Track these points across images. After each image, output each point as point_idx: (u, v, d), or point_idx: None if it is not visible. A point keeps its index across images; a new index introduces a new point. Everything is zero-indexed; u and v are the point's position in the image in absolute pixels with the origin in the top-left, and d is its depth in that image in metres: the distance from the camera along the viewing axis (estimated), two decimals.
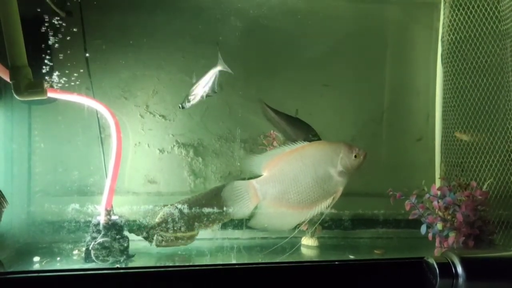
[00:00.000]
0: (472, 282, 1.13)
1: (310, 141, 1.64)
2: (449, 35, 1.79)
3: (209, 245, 1.61)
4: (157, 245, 1.53)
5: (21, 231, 1.63)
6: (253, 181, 1.45)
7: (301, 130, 1.68)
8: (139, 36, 1.76)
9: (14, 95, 1.34)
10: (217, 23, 1.80)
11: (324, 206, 1.44)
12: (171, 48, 1.77)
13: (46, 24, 1.56)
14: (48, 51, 1.60)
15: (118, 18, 1.74)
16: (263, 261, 1.44)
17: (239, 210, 1.46)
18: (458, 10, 1.74)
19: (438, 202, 1.54)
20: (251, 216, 1.48)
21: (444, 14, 1.84)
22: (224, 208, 1.52)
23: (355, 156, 1.45)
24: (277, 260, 1.43)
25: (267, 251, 1.53)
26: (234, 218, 1.56)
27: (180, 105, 1.63)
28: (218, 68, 1.58)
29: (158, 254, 1.55)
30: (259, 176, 1.48)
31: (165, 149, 1.82)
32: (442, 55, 1.85)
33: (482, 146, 1.66)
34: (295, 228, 1.54)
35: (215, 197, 1.57)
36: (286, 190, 1.43)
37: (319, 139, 1.66)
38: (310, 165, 1.44)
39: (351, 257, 1.55)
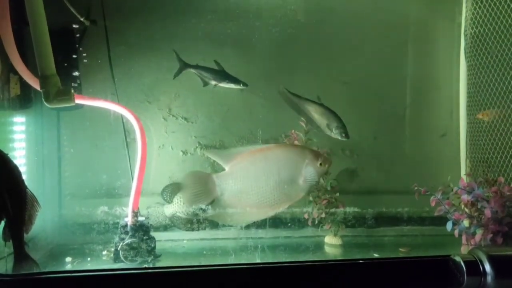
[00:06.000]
0: (501, 280, 1.10)
1: (333, 131, 1.61)
2: (472, 28, 1.75)
3: (234, 244, 1.64)
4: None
5: (53, 233, 1.69)
6: (214, 175, 1.42)
7: (324, 116, 1.66)
8: (160, 41, 1.80)
9: (44, 103, 1.39)
10: (236, 25, 1.82)
11: (282, 209, 1.41)
12: (191, 51, 1.80)
13: (72, 33, 1.61)
14: (75, 59, 1.66)
15: (139, 24, 1.78)
16: (287, 260, 1.45)
17: (193, 199, 1.43)
18: (481, 2, 1.70)
19: (466, 196, 1.51)
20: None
21: (466, 7, 1.80)
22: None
23: (320, 164, 1.41)
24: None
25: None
26: (188, 205, 1.52)
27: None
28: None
29: (184, 254, 1.58)
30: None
31: (188, 151, 1.85)
32: (465, 49, 1.81)
33: (509, 141, 1.62)
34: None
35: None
36: (245, 189, 1.39)
37: (345, 131, 1.64)
38: (274, 168, 1.40)
39: (376, 255, 1.54)
